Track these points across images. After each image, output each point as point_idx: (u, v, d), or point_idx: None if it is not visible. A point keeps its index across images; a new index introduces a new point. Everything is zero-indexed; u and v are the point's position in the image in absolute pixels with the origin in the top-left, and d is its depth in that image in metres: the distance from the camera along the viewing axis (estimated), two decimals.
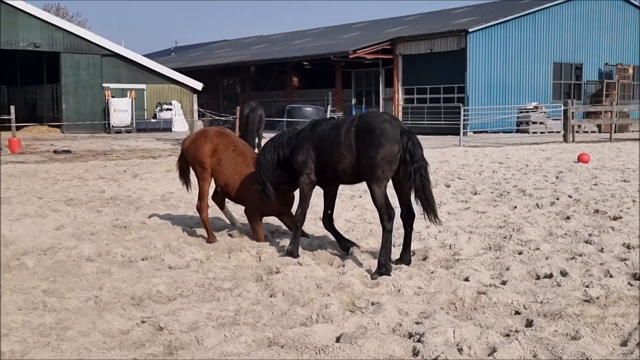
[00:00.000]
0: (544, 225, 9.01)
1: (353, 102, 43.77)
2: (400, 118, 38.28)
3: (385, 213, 6.86)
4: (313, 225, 8.98)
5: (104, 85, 38.46)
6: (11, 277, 6.71)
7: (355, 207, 10.74)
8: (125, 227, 9.28)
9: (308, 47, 47.13)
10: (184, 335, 4.98)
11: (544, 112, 36.00)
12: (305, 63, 47.13)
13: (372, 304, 5.75)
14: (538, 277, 6.59)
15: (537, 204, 10.75)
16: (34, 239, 8.41)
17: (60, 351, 4.60)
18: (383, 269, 6.73)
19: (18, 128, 28.92)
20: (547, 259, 7.20)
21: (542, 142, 27.86)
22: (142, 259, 7.46)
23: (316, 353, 4.58)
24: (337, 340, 4.91)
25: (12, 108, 26.58)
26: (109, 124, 37.41)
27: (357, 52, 38.92)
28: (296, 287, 6.32)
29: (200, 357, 4.52)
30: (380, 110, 41.22)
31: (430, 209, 6.99)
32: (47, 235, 8.71)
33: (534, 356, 4.50)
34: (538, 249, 7.64)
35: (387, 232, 6.86)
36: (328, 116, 32.05)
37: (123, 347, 4.77)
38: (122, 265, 7.26)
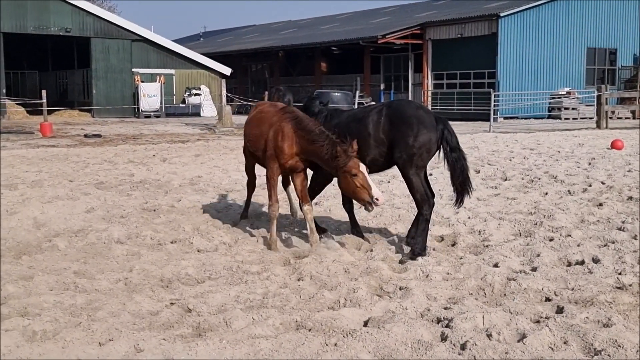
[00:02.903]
0: (576, 212, 8.88)
1: (382, 88, 43.51)
2: (429, 103, 38.12)
3: (425, 201, 6.81)
4: (341, 210, 8.94)
5: (133, 70, 38.74)
6: (43, 258, 6.80)
7: (383, 192, 10.67)
8: (155, 210, 9.36)
9: (336, 32, 46.91)
10: (213, 317, 5.00)
11: (577, 98, 35.43)
12: (334, 48, 46.92)
13: (400, 288, 5.72)
14: (569, 264, 6.50)
15: (569, 191, 10.60)
16: (65, 221, 8.52)
17: (91, 331, 4.66)
18: (417, 258, 6.68)
19: (49, 112, 29.28)
20: (578, 245, 7.10)
21: (575, 128, 27.45)
22: (171, 242, 7.52)
23: (344, 337, 4.57)
24: (365, 324, 4.90)
25: (44, 92, 26.90)
26: (138, 108, 37.71)
27: (386, 37, 38.63)
28: (324, 271, 6.32)
29: (228, 339, 4.54)
30: (410, 96, 40.95)
31: (467, 194, 7.21)
32: (78, 217, 8.81)
33: (564, 343, 4.44)
34: (569, 235, 7.54)
35: (424, 221, 6.83)
36: (356, 101, 31.92)
37: (152, 328, 4.81)
38: (151, 247, 7.32)
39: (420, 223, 6.86)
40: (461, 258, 6.80)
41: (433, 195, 7.12)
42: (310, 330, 4.75)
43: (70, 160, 15.81)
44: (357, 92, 35.19)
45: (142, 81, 38.18)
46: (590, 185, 11.05)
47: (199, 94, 39.68)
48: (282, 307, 5.26)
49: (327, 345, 4.45)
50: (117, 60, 38.46)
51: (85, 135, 23.55)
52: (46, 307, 5.20)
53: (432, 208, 6.96)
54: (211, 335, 4.64)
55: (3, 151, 17.67)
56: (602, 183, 11.25)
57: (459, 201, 7.24)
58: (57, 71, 46.48)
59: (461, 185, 7.12)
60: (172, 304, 5.37)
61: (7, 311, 5.07)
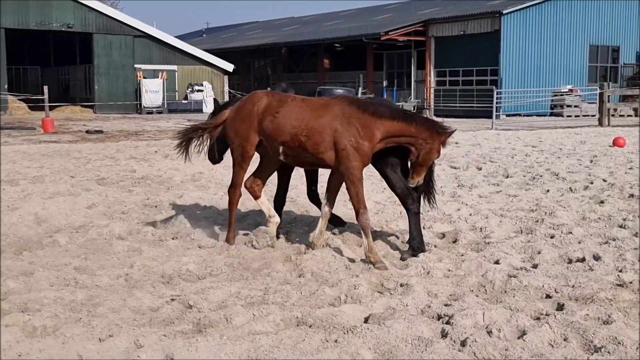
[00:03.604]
0: (577, 209, 8.87)
1: (384, 85, 43.50)
2: (432, 100, 38.09)
3: (407, 195, 6.80)
4: (342, 206, 8.94)
5: (135, 66, 38.78)
6: (44, 254, 6.80)
7: (385, 189, 10.66)
8: (156, 206, 9.36)
9: (339, 28, 46.88)
10: (213, 313, 5.00)
11: (579, 95, 35.41)
12: (337, 45, 46.91)
13: (401, 285, 5.72)
14: (570, 261, 6.49)
15: (570, 188, 10.58)
16: (66, 217, 8.52)
17: (91, 327, 4.66)
18: (418, 252, 6.67)
19: (51, 108, 29.30)
20: (579, 243, 7.09)
21: (577, 125, 27.42)
22: (172, 238, 7.51)
23: (344, 333, 4.57)
24: (366, 320, 4.90)
25: (46, 88, 26.90)
26: (140, 104, 37.74)
27: (389, 33, 38.62)
28: (325, 267, 6.31)
29: (229, 335, 4.54)
30: (412, 93, 40.94)
31: (432, 194, 7.11)
32: (79, 213, 8.81)
33: (564, 340, 4.44)
34: (571, 232, 7.52)
35: (414, 215, 6.81)
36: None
37: (153, 324, 4.81)
38: (152, 244, 7.32)
39: (411, 217, 6.84)
40: (462, 255, 6.80)
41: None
42: (310, 326, 4.75)
43: (72, 156, 15.81)
44: (360, 89, 35.15)
45: (144, 77, 38.20)
46: (591, 183, 11.04)
47: (201, 90, 39.69)
48: (282, 304, 5.25)
49: (327, 341, 4.45)
50: (120, 56, 38.49)
51: (87, 131, 23.56)
52: (46, 302, 5.20)
53: (417, 201, 6.88)
54: (211, 332, 4.64)
55: (5, 147, 17.68)
56: (604, 180, 11.24)
57: (430, 201, 7.13)
58: (59, 67, 46.52)
59: (429, 185, 7.07)
60: (172, 300, 5.37)
61: (7, 307, 5.08)
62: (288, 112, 6.61)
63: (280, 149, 6.70)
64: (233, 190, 7.22)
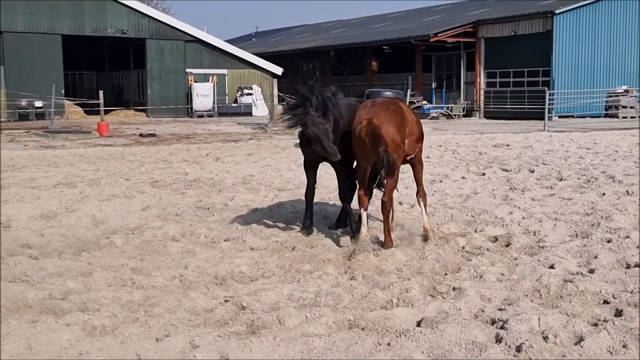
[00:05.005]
0: (635, 213, 8.65)
1: (433, 86, 43.16)
2: (482, 102, 37.64)
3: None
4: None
5: (187, 70, 39.37)
6: (101, 254, 6.97)
7: (435, 192, 10.61)
8: (208, 208, 9.48)
9: (388, 30, 46.71)
10: (266, 315, 5.05)
11: (635, 96, 34.51)
12: (385, 47, 46.74)
13: (454, 289, 5.68)
14: (628, 266, 6.34)
15: (627, 191, 10.33)
16: (122, 219, 8.71)
17: (148, 327, 4.76)
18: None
19: (106, 112, 29.94)
20: (638, 247, 6.92)
21: (633, 127, 26.72)
22: (225, 240, 7.61)
23: (397, 336, 4.56)
24: (418, 324, 4.88)
25: (101, 93, 27.50)
26: (191, 108, 38.30)
27: (438, 35, 38.30)
28: (376, 270, 6.30)
29: (281, 336, 4.58)
30: (462, 95, 40.52)
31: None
32: (134, 215, 9.00)
33: (623, 346, 4.34)
34: (628, 237, 7.35)
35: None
36: (408, 100, 31.69)
37: (207, 325, 4.89)
38: (205, 245, 7.42)
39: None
40: (515, 259, 6.70)
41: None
42: (363, 329, 4.75)
43: (126, 159, 16.15)
44: (409, 91, 34.98)
45: (195, 81, 38.77)
46: None
47: (251, 94, 40.06)
48: (334, 306, 5.27)
49: (380, 344, 4.45)
50: (171, 61, 39.13)
51: (141, 135, 24.02)
52: (105, 302, 5.34)
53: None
54: (265, 333, 4.68)
55: (62, 150, 18.17)
56: None
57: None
58: (113, 72, 47.52)
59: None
60: (226, 301, 5.44)
61: (68, 306, 5.23)
62: (410, 114, 7.40)
63: (411, 151, 7.43)
64: (391, 197, 7.09)
